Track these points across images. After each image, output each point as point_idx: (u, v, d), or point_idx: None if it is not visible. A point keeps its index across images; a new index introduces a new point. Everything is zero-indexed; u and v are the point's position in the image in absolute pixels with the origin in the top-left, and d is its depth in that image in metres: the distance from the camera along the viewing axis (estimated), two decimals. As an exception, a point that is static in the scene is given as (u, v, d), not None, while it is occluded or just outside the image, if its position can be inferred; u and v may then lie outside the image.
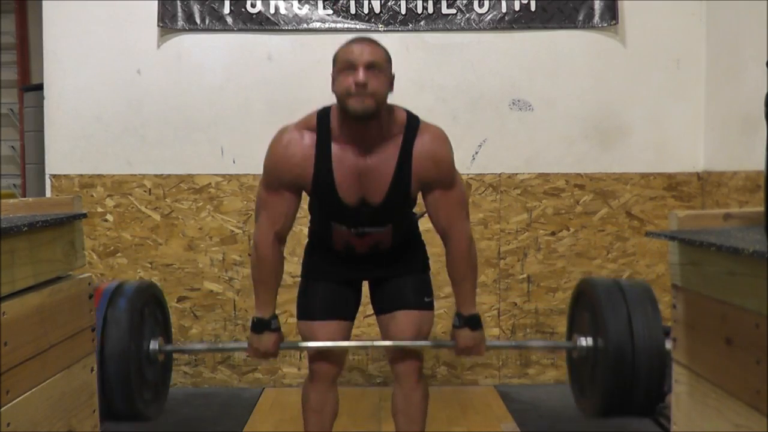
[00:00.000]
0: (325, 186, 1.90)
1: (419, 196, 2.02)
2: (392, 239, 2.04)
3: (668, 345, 1.90)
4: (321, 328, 2.05)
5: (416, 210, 2.19)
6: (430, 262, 2.19)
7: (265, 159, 1.96)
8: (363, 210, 1.94)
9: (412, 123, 1.92)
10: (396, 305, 2.07)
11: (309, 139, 1.89)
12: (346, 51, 1.83)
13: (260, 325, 2.00)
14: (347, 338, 2.12)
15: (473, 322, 2.02)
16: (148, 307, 2.22)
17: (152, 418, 2.18)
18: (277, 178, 1.92)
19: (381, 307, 2.12)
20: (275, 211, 1.94)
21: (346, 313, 2.11)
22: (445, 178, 1.94)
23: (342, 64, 1.81)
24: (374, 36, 3.17)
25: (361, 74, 1.76)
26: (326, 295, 2.09)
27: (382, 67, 1.81)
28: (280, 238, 1.98)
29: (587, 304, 2.26)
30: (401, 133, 1.89)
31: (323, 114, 1.92)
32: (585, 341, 2.21)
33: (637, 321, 2.05)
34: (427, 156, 1.89)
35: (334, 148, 1.88)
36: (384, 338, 2.12)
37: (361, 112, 1.78)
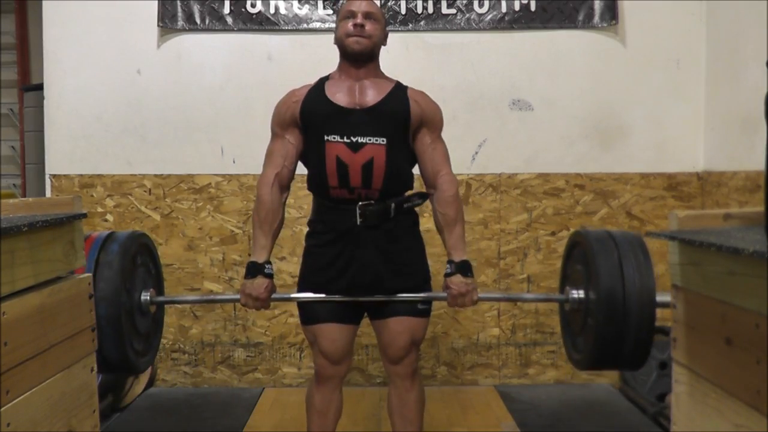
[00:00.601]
0: (317, 100, 2.02)
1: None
2: (387, 164, 1.96)
3: (659, 297, 1.89)
4: (325, 330, 2.04)
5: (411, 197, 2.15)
6: (430, 262, 2.18)
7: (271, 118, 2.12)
8: (357, 112, 1.97)
9: (401, 84, 2.11)
10: (389, 312, 2.04)
11: (308, 87, 2.09)
12: (348, 3, 2.06)
13: (254, 269, 2.00)
14: (352, 340, 2.10)
15: (465, 268, 2.01)
16: (140, 255, 2.21)
17: (141, 370, 2.18)
18: (277, 123, 2.08)
19: (374, 313, 2.10)
20: (277, 154, 2.07)
21: (350, 317, 2.08)
22: (437, 123, 2.09)
23: (343, 14, 2.04)
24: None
25: (359, 18, 2.00)
26: (329, 302, 2.07)
27: (377, 17, 2.05)
28: (282, 182, 2.06)
29: (579, 256, 2.25)
30: (393, 85, 2.08)
31: (323, 76, 2.12)
32: (577, 293, 2.20)
33: (628, 271, 2.05)
34: (421, 97, 2.08)
35: (328, 84, 2.05)
36: (378, 341, 2.12)
37: (359, 51, 1.99)
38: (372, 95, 2.01)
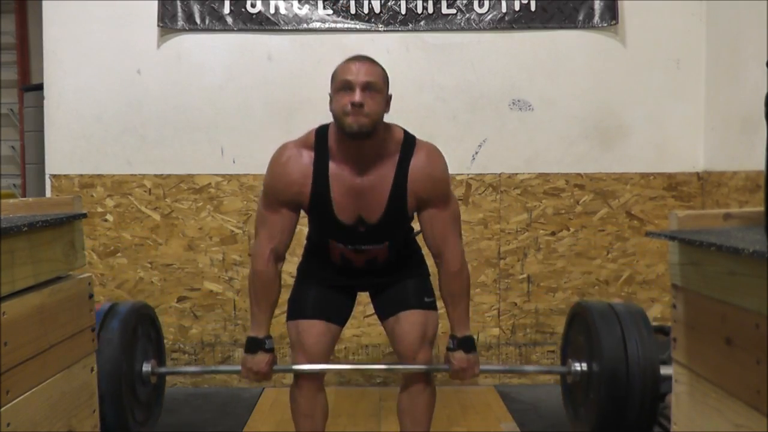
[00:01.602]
0: (322, 205, 1.94)
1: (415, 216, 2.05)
2: (389, 254, 2.07)
3: (663, 371, 1.90)
4: (309, 327, 2.05)
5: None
6: (429, 265, 2.20)
7: (264, 176, 2.00)
8: (360, 228, 1.97)
9: (409, 141, 1.96)
10: (398, 308, 2.08)
11: (307, 157, 1.93)
12: (343, 70, 1.87)
13: (254, 345, 2.02)
14: (334, 341, 2.13)
15: (467, 344, 2.03)
16: (142, 326, 2.24)
17: None
18: (275, 196, 1.96)
19: (384, 312, 2.13)
20: (273, 228, 1.97)
21: (337, 317, 2.12)
22: (440, 195, 1.97)
23: (339, 84, 1.85)
24: (374, 36, 3.20)
25: (357, 95, 1.81)
26: (318, 296, 2.10)
27: (378, 87, 1.86)
28: (278, 255, 2.00)
29: (581, 328, 2.27)
30: (397, 152, 1.93)
31: (321, 132, 1.95)
32: (579, 366, 2.21)
33: (631, 345, 2.06)
34: (423, 173, 1.93)
35: (332, 166, 1.91)
36: (391, 342, 2.13)
37: (357, 131, 1.82)
38: (374, 202, 1.93)
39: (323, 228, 2.04)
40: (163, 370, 2.29)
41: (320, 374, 2.08)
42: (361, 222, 1.96)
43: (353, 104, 1.80)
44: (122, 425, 2.06)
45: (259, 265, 1.99)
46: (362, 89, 1.81)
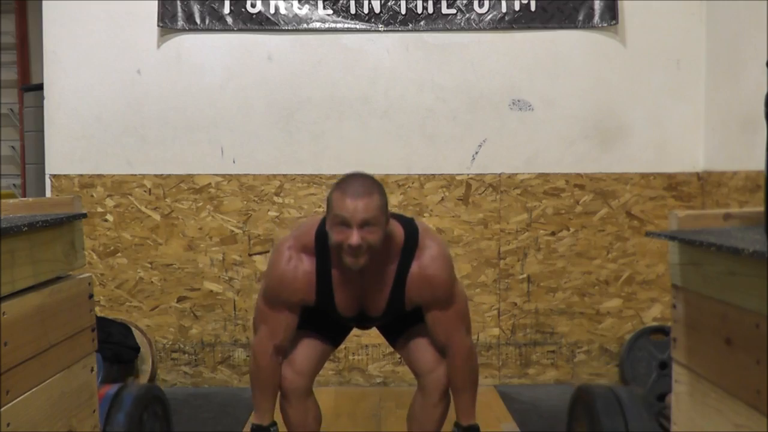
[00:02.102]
0: (326, 306, 1.98)
1: None
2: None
3: None
4: (302, 338, 2.06)
5: None
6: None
7: (266, 277, 2.00)
8: (362, 317, 2.05)
9: (410, 244, 1.93)
10: (408, 323, 2.10)
11: (309, 264, 1.92)
12: (339, 203, 1.78)
13: None
14: (324, 361, 2.14)
15: None
16: (151, 408, 2.26)
17: None
18: (278, 298, 1.96)
19: (394, 334, 2.17)
20: (276, 326, 1.98)
21: (330, 337, 2.15)
22: (441, 298, 1.95)
23: (335, 218, 1.79)
24: (374, 36, 3.20)
25: (355, 237, 1.75)
26: (315, 314, 2.09)
27: (376, 221, 1.79)
28: (279, 350, 2.01)
29: (584, 414, 2.28)
30: (398, 256, 1.91)
31: (321, 236, 1.90)
32: None
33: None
34: (421, 281, 1.92)
35: (335, 274, 1.93)
36: (406, 361, 2.13)
37: (357, 270, 1.84)
38: (375, 305, 1.98)
39: (327, 315, 2.08)
40: None
41: (307, 382, 2.06)
42: (362, 315, 2.03)
43: (351, 247, 1.76)
44: None
45: (262, 360, 1.99)
46: (359, 227, 1.76)
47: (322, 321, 2.10)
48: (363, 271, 1.89)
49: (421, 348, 2.04)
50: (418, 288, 1.92)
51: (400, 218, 1.99)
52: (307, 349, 2.05)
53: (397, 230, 1.93)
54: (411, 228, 1.95)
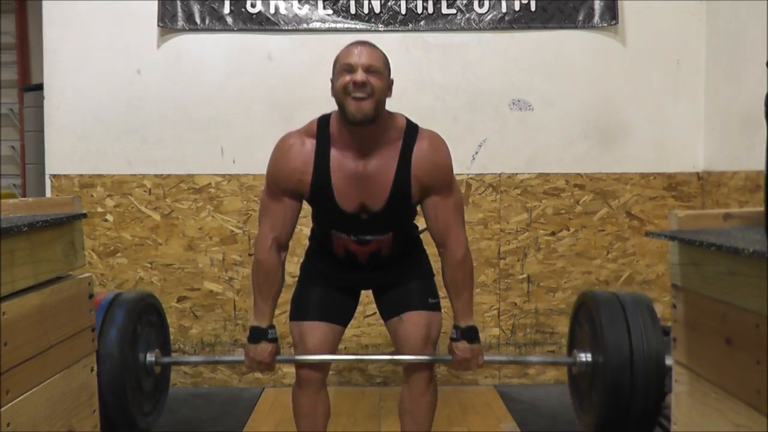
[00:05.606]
0: (323, 193, 1.92)
1: (419, 209, 2.04)
2: (393, 246, 2.05)
3: (668, 361, 1.90)
4: (312, 329, 2.05)
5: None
6: (431, 262, 2.19)
7: (267, 165, 1.99)
8: (363, 217, 1.95)
9: (412, 128, 1.95)
10: (402, 308, 2.08)
11: (309, 145, 1.92)
12: (345, 53, 1.86)
13: (257, 335, 2.01)
14: (337, 343, 2.12)
15: (471, 335, 2.03)
16: (146, 315, 2.25)
17: (150, 429, 2.21)
18: (277, 185, 1.95)
19: (387, 313, 2.13)
20: (275, 217, 1.97)
21: (340, 318, 2.12)
22: (443, 182, 1.95)
23: (341, 67, 1.85)
24: (374, 36, 3.20)
25: (359, 74, 1.80)
26: (322, 297, 2.09)
27: (380, 70, 1.84)
28: (280, 244, 1.99)
29: (586, 318, 2.27)
30: (400, 138, 1.92)
31: (323, 120, 1.94)
32: (584, 356, 2.21)
33: (636, 336, 2.06)
34: (426, 160, 1.92)
35: (333, 153, 1.90)
36: (393, 342, 2.13)
37: (360, 119, 1.82)
38: (378, 189, 1.91)
39: (326, 217, 2.02)
40: (166, 360, 2.29)
41: (322, 374, 2.07)
42: (364, 210, 1.94)
43: (356, 83, 1.79)
44: (126, 418, 2.06)
45: (261, 254, 1.98)
46: (365, 71, 1.81)
47: (327, 288, 2.09)
48: (364, 149, 1.88)
49: (410, 336, 2.04)
50: (424, 167, 1.91)
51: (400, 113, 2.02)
52: (318, 337, 2.04)
53: (399, 117, 1.96)
54: (411, 120, 1.98)
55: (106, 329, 2.05)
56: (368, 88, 1.80)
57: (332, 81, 1.88)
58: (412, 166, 1.91)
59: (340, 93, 1.83)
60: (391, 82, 1.92)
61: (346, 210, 1.94)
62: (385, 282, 2.13)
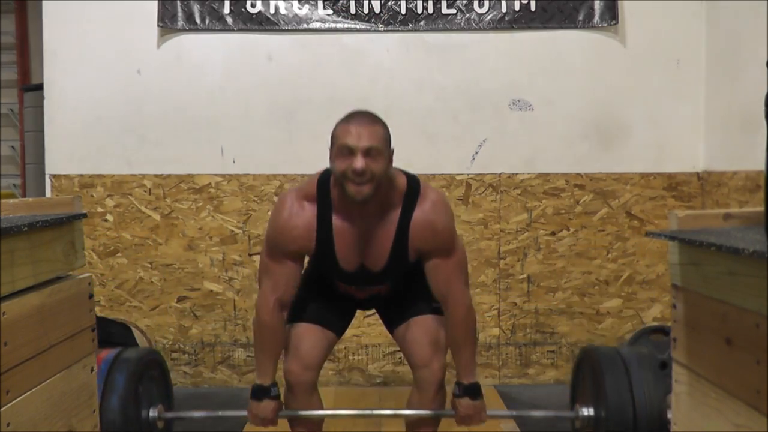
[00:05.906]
0: (326, 257, 1.96)
1: None
2: (392, 289, 2.11)
3: (670, 415, 1.91)
4: (305, 331, 2.05)
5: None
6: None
7: (267, 228, 2.00)
8: (363, 274, 2.00)
9: (412, 191, 1.93)
10: (408, 314, 2.09)
11: (310, 210, 1.91)
12: (343, 132, 1.80)
13: (260, 392, 2.01)
14: (329, 350, 2.13)
15: (473, 391, 2.02)
16: (149, 372, 2.27)
17: None
18: (279, 248, 1.95)
19: (394, 321, 2.14)
20: (278, 278, 1.96)
21: (335, 326, 2.13)
22: (443, 246, 1.94)
23: (340, 148, 1.79)
24: (374, 36, 3.20)
25: (359, 162, 1.75)
26: (319, 303, 2.11)
27: (380, 150, 1.79)
28: (282, 304, 1.99)
29: (588, 372, 2.28)
30: (401, 203, 1.91)
31: (323, 183, 1.92)
32: (587, 411, 2.22)
33: (638, 391, 2.06)
34: (425, 227, 1.91)
35: (335, 219, 1.91)
36: (403, 350, 2.12)
37: (360, 200, 1.81)
38: (377, 253, 1.94)
39: (326, 272, 2.07)
40: (169, 415, 2.31)
41: (312, 376, 2.05)
42: (363, 270, 1.98)
43: (355, 172, 1.75)
44: None
45: (264, 316, 1.97)
46: (364, 154, 1.75)
47: (326, 298, 2.10)
48: (364, 216, 1.89)
49: (418, 341, 2.03)
50: (422, 234, 1.90)
51: (401, 171, 1.99)
52: (312, 339, 2.04)
53: (400, 178, 1.94)
54: (412, 178, 1.96)
55: (108, 395, 2.08)
56: (368, 174, 1.76)
57: (330, 154, 1.84)
58: (410, 234, 1.91)
59: (339, 176, 1.81)
60: (392, 153, 1.88)
61: (346, 270, 1.98)
62: (386, 303, 2.18)
